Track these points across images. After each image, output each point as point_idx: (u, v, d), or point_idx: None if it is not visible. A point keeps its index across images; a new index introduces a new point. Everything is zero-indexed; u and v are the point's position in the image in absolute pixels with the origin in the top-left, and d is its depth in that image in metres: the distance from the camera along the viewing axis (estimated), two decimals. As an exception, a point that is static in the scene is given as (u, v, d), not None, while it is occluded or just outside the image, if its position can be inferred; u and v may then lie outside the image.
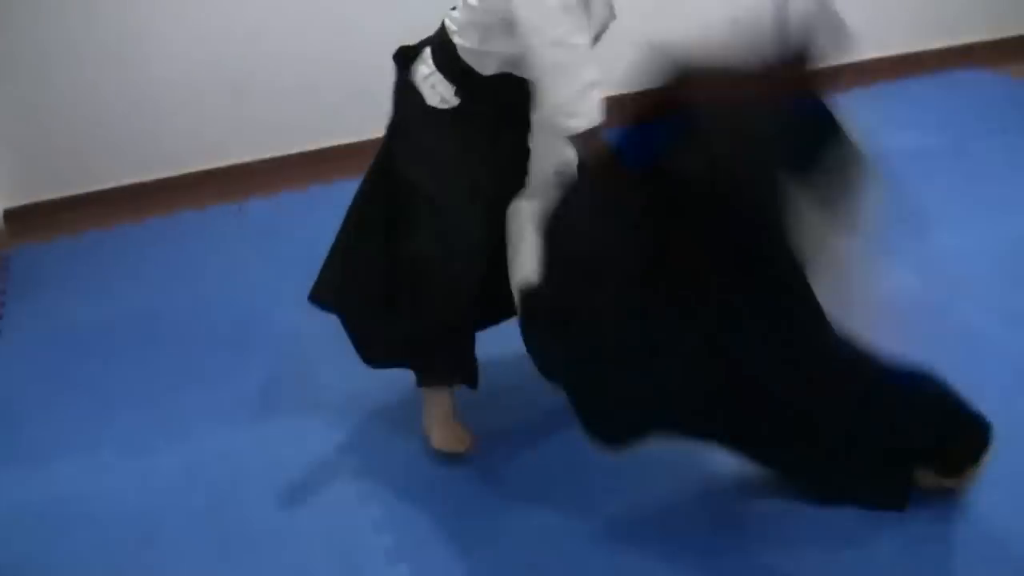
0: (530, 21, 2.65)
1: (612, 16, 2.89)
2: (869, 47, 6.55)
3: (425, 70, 2.98)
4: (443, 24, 3.00)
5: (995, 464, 2.86)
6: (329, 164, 5.77)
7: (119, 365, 4.00)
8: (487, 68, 2.91)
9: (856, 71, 6.41)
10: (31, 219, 5.50)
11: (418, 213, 3.00)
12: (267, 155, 5.82)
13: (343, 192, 5.35)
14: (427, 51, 3.01)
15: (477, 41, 2.87)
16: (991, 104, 5.85)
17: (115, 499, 3.24)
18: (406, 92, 3.04)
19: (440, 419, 3.29)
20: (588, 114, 2.67)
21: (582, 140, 2.73)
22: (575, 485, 3.12)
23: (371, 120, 5.71)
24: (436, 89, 2.96)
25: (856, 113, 5.80)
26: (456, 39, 2.91)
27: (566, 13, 2.63)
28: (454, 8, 2.97)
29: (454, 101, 2.95)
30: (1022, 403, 3.21)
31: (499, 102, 2.96)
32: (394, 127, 3.12)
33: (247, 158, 5.80)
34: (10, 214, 5.53)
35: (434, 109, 2.97)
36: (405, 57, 3.06)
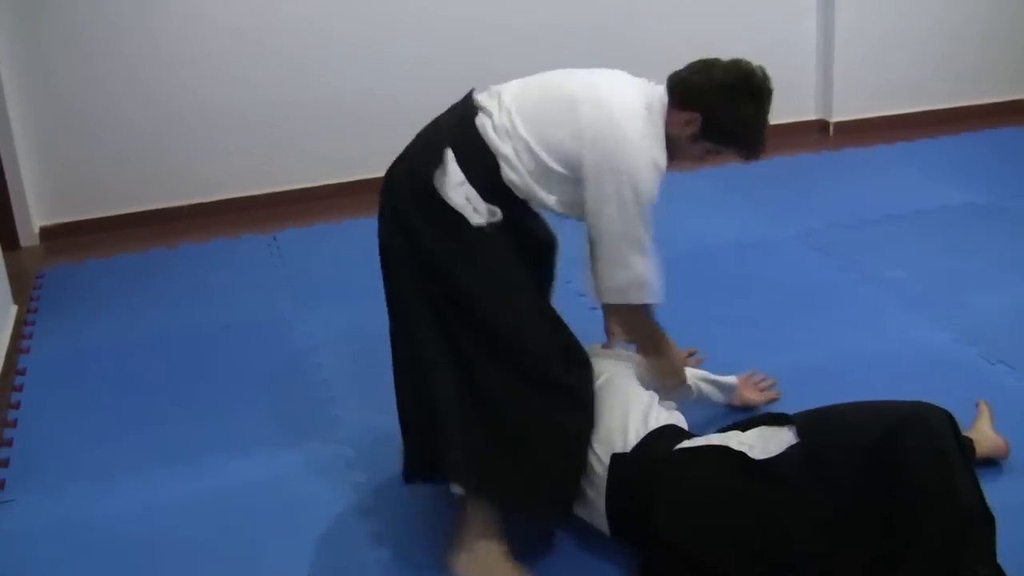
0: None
1: None
2: (915, 100, 6.53)
3: (455, 179, 2.78)
4: (476, 129, 2.82)
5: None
6: (366, 196, 5.77)
7: (139, 390, 3.99)
8: (534, 203, 2.89)
9: (900, 124, 6.40)
10: (66, 237, 5.56)
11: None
12: (303, 185, 5.84)
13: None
14: (449, 154, 2.79)
15: (540, 186, 2.81)
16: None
17: (120, 527, 3.19)
18: (435, 210, 2.78)
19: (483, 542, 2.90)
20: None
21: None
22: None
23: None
24: (471, 203, 2.78)
25: (899, 167, 5.81)
26: (509, 173, 2.79)
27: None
28: (480, 113, 2.83)
29: (497, 216, 2.81)
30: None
31: (522, 216, 2.94)
32: (442, 253, 2.80)
33: (282, 187, 5.82)
34: (46, 231, 5.57)
35: (480, 229, 2.79)
36: (422, 164, 2.82)
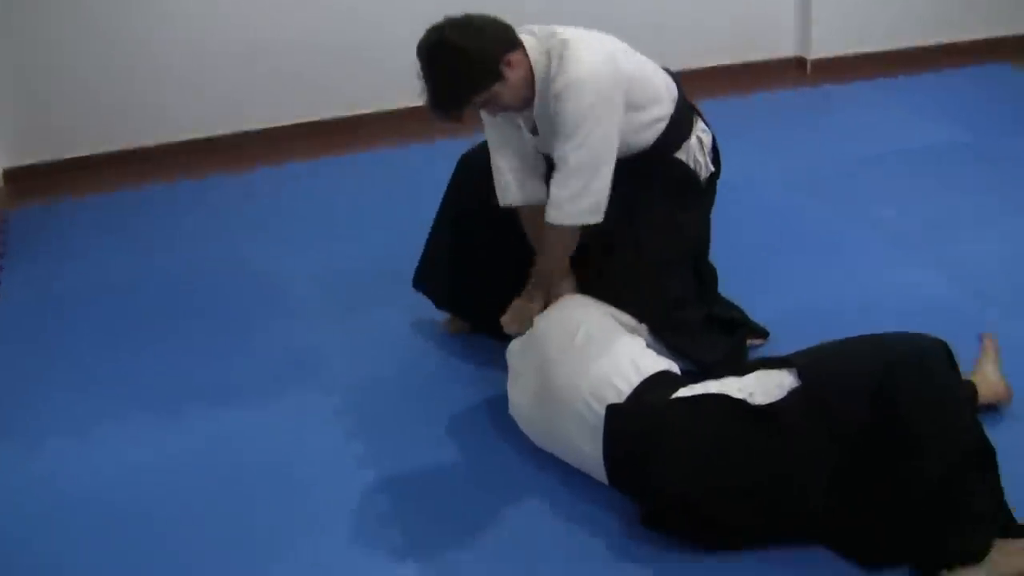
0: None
1: None
2: (895, 37, 6.46)
3: None
4: None
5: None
6: (340, 135, 5.68)
7: (113, 339, 3.88)
8: None
9: (880, 61, 6.34)
10: (32, 180, 5.42)
11: None
12: (275, 123, 5.74)
13: (355, 164, 5.30)
14: None
15: None
16: (1018, 100, 5.75)
17: (103, 483, 3.11)
18: None
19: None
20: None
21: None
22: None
23: (380, 90, 5.63)
24: None
25: (881, 105, 5.75)
26: None
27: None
28: None
29: None
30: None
31: None
32: None
33: (254, 126, 5.71)
34: (10, 174, 5.44)
35: None
36: None
